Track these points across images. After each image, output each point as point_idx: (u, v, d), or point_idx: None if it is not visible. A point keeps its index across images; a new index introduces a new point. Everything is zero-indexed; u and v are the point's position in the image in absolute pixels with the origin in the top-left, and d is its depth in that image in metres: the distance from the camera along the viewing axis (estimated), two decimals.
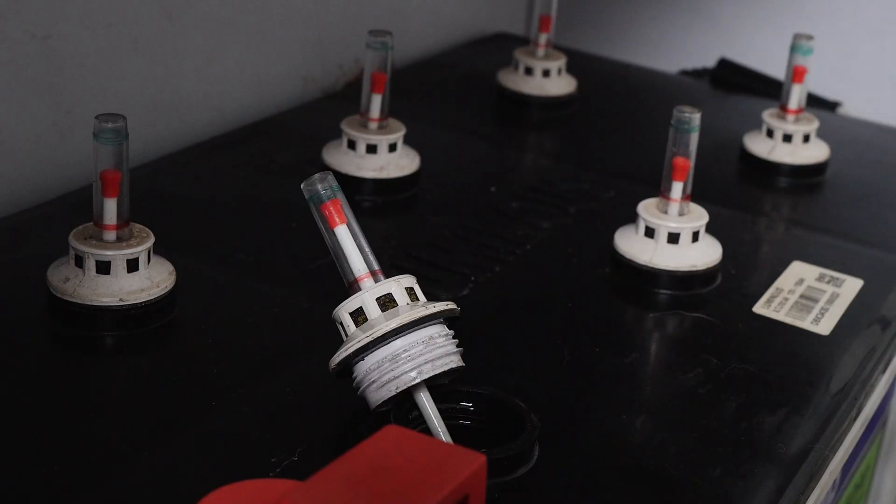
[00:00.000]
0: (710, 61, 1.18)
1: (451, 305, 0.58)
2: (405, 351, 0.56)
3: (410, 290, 0.58)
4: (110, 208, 0.65)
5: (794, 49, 0.92)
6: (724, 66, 1.15)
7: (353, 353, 0.56)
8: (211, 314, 0.68)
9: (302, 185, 0.59)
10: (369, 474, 0.42)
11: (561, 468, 0.57)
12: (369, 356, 0.56)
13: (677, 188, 0.75)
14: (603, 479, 0.57)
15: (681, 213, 0.75)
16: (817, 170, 0.93)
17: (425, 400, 0.56)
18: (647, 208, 0.76)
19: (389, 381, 0.56)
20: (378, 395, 0.56)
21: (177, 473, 0.55)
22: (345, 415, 0.59)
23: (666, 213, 0.75)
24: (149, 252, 0.66)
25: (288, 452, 0.56)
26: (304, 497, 0.41)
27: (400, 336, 0.56)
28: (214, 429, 0.58)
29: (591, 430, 0.61)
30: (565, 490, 0.56)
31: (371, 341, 0.56)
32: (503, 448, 0.56)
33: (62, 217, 0.74)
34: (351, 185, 0.81)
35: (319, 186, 0.59)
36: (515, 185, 0.88)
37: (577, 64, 1.07)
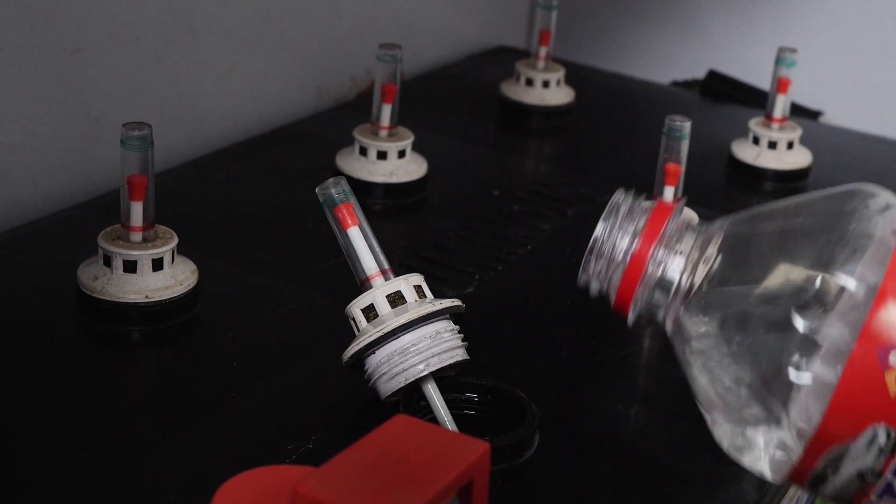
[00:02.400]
0: (699, 73, 1.18)
1: (456, 302, 0.58)
2: (413, 345, 0.56)
3: (418, 288, 0.58)
4: (136, 211, 0.65)
5: (778, 61, 0.92)
6: (713, 77, 1.15)
7: (364, 347, 0.56)
8: (231, 311, 0.68)
9: (316, 190, 0.59)
10: (380, 461, 0.42)
11: (560, 455, 0.57)
12: (380, 350, 0.56)
13: (669, 192, 0.75)
14: (599, 466, 0.57)
15: None
16: (800, 175, 0.93)
17: (432, 391, 0.56)
18: None
19: (399, 373, 0.56)
20: (388, 386, 0.56)
21: (198, 460, 0.55)
22: (357, 405, 0.59)
23: None
24: (173, 252, 0.66)
25: (303, 440, 0.56)
26: (319, 482, 0.41)
27: (408, 331, 0.56)
28: (234, 418, 0.58)
29: (589, 419, 0.61)
30: (564, 475, 0.56)
31: (381, 336, 0.56)
32: (506, 436, 0.56)
33: (91, 219, 0.74)
34: (362, 189, 0.80)
35: (333, 190, 0.59)
36: (517, 189, 0.88)
37: (575, 75, 1.07)
